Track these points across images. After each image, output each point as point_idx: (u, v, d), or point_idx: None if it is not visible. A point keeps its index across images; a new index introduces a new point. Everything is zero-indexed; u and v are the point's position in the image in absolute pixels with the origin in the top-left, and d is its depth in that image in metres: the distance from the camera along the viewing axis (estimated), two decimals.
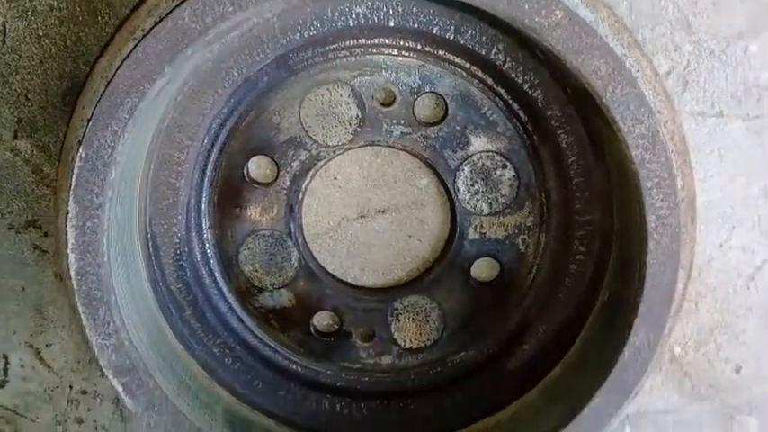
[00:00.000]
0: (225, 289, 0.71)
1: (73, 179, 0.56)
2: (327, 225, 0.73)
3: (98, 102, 0.55)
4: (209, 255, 0.70)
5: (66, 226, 0.56)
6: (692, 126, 0.69)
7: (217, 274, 0.71)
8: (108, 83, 0.54)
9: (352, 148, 0.69)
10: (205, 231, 0.70)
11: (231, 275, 0.71)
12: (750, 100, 0.68)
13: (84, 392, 0.76)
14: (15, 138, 0.68)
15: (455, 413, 0.71)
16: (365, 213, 0.73)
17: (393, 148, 0.69)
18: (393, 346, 0.72)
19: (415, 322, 0.72)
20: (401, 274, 0.74)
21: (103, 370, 0.60)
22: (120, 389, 0.60)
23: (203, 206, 0.69)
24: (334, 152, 0.68)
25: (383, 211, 0.73)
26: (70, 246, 0.57)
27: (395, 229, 0.73)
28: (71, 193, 0.56)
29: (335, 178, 0.72)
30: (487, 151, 0.67)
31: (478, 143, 0.67)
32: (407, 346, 0.72)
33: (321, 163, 0.69)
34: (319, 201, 0.73)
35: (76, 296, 0.58)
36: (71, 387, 0.76)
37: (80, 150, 0.55)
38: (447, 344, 0.72)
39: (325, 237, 0.73)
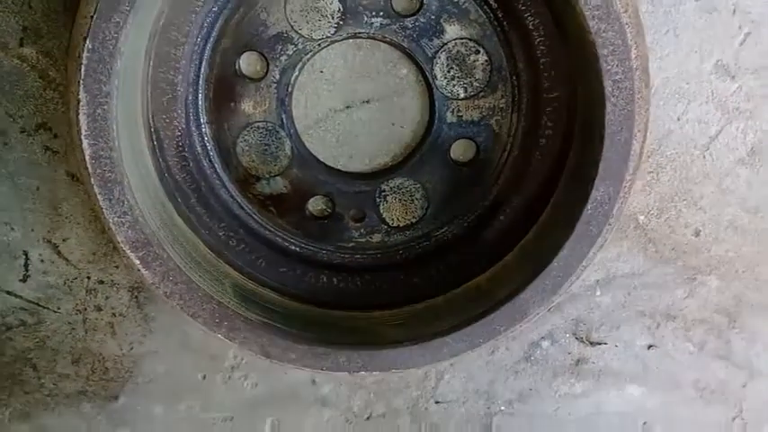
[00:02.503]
0: (225, 178, 0.77)
1: (82, 70, 0.61)
2: (316, 116, 0.79)
3: None
4: (209, 147, 0.76)
5: (78, 115, 0.61)
6: (649, 8, 0.75)
7: (217, 166, 0.76)
8: None
9: (335, 41, 0.74)
10: (203, 126, 0.75)
11: (230, 166, 0.77)
12: None
13: (102, 282, 0.81)
14: (21, 45, 0.72)
15: (440, 280, 0.78)
16: (351, 104, 0.78)
17: (374, 39, 0.74)
18: (382, 225, 0.79)
19: (401, 202, 0.78)
20: (386, 159, 0.80)
21: (120, 245, 0.66)
22: (137, 262, 0.66)
23: (200, 102, 0.74)
24: (319, 45, 0.73)
25: (367, 101, 0.78)
26: (83, 132, 0.62)
27: (379, 118, 0.79)
28: (81, 83, 0.61)
29: (321, 71, 0.77)
30: (461, 38, 0.73)
31: (452, 31, 0.72)
32: (395, 224, 0.79)
33: (307, 56, 0.74)
34: (307, 93, 0.78)
35: (92, 179, 0.64)
36: (89, 278, 0.81)
37: (87, 43, 0.60)
38: (431, 221, 0.79)
39: (315, 127, 0.79)
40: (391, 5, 0.72)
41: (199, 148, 0.75)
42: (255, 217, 0.78)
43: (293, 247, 0.79)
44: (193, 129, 0.75)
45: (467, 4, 0.72)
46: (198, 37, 0.71)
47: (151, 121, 0.72)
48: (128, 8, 0.59)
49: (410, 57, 0.74)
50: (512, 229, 0.76)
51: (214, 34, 0.72)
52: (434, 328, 0.72)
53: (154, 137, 0.72)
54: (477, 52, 0.73)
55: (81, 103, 0.62)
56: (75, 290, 0.82)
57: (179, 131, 0.73)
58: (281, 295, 0.77)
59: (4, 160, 0.76)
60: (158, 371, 0.85)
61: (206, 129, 0.75)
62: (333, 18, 0.72)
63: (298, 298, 0.77)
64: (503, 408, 0.89)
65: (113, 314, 0.83)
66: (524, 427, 0.90)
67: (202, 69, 0.73)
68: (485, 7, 0.72)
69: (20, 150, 0.76)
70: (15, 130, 0.75)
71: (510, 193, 0.77)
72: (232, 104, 0.75)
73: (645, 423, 0.91)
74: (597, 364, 0.89)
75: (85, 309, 0.82)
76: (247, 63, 0.74)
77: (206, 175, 0.76)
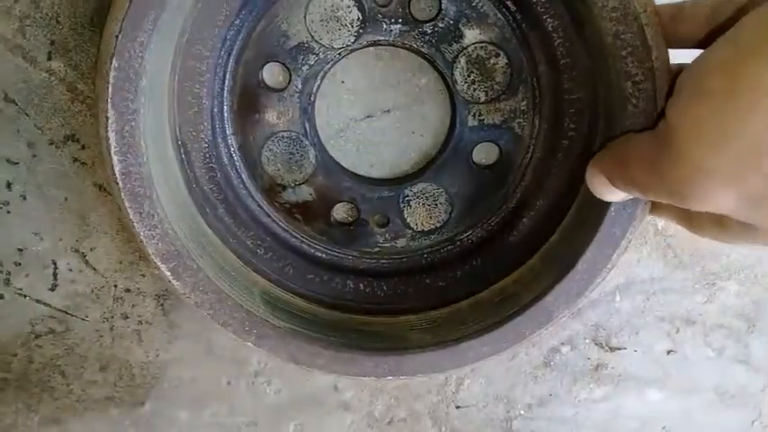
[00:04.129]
0: (252, 188, 0.76)
1: (109, 89, 0.60)
2: (338, 125, 0.78)
3: (125, 17, 0.59)
4: (235, 158, 0.75)
5: (107, 131, 0.61)
6: None
7: (244, 176, 0.75)
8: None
9: (355, 50, 0.73)
10: (229, 137, 0.74)
11: (256, 176, 0.76)
12: None
13: (128, 291, 0.80)
14: (49, 59, 0.71)
15: (465, 284, 0.76)
16: (372, 113, 0.77)
17: (393, 46, 0.72)
18: (406, 230, 0.78)
19: (425, 207, 0.77)
20: (407, 167, 0.79)
21: (152, 258, 0.65)
22: (168, 274, 0.65)
23: (225, 113, 0.73)
24: (340, 54, 0.72)
25: (388, 111, 0.77)
26: (113, 149, 0.61)
27: (399, 126, 0.78)
28: (109, 101, 0.60)
29: (343, 82, 0.76)
30: (480, 42, 0.71)
31: (471, 35, 0.71)
32: (419, 228, 0.78)
33: (328, 66, 0.72)
34: (329, 103, 0.77)
35: (122, 194, 0.63)
36: (116, 286, 0.80)
37: (113, 62, 0.59)
38: (455, 225, 0.78)
39: (337, 137, 0.78)
40: (409, 12, 0.71)
41: (225, 159, 0.74)
42: (282, 225, 0.77)
43: (319, 254, 0.78)
44: (220, 140, 0.73)
45: (485, 8, 0.70)
46: (221, 50, 0.70)
47: (178, 134, 0.71)
48: (151, 27, 0.59)
49: (430, 62, 0.73)
50: (536, 231, 0.74)
51: (237, 47, 0.71)
52: (460, 332, 0.70)
53: (182, 149, 0.71)
54: (497, 55, 0.72)
55: (110, 121, 0.61)
56: (102, 298, 0.80)
57: (205, 143, 0.72)
58: (309, 302, 0.75)
59: (33, 172, 0.75)
60: (184, 377, 0.84)
61: (232, 140, 0.74)
62: (352, 27, 0.71)
63: (324, 304, 0.76)
64: (522, 412, 0.88)
65: (139, 322, 0.81)
66: (544, 430, 0.88)
67: (227, 82, 0.72)
68: (503, 10, 0.71)
69: (48, 162, 0.75)
70: (44, 142, 0.74)
71: (533, 195, 0.75)
72: (256, 115, 0.74)
73: (664, 427, 0.89)
74: (617, 369, 0.87)
75: (112, 317, 0.81)
76: (270, 74, 0.73)
77: (233, 186, 0.75)
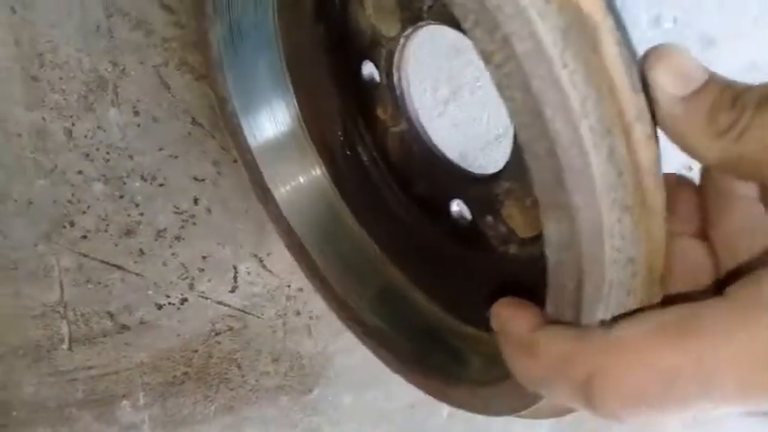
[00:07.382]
0: (388, 180, 0.72)
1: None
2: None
3: None
4: (374, 154, 0.73)
5: None
6: None
7: (381, 166, 0.72)
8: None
9: (408, 36, 0.60)
10: (364, 134, 0.72)
11: (388, 168, 0.72)
12: None
13: (301, 290, 0.85)
14: None
15: None
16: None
17: (431, 23, 0.57)
18: (512, 236, 0.61)
19: (518, 209, 0.59)
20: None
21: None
22: (290, 257, 0.73)
23: (357, 110, 0.71)
24: (399, 43, 0.62)
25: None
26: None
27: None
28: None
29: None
30: None
31: None
32: (521, 234, 0.60)
33: (396, 57, 0.63)
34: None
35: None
36: (289, 286, 0.85)
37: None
38: None
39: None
40: None
41: (365, 156, 0.73)
42: (414, 217, 0.71)
43: (447, 251, 0.69)
44: (356, 136, 0.73)
45: None
46: (329, 51, 0.69)
47: (325, 136, 0.74)
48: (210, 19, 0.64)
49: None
50: None
51: (340, 45, 0.68)
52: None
53: (324, 147, 0.75)
54: None
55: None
56: (276, 298, 0.85)
57: (339, 141, 0.74)
58: (429, 299, 0.69)
59: (217, 187, 0.81)
60: (349, 365, 0.85)
61: (366, 136, 0.72)
62: (394, 13, 0.59)
63: (444, 305, 0.68)
64: None
65: (310, 317, 0.85)
66: None
67: (343, 79, 0.70)
68: None
69: (232, 178, 0.80)
70: (228, 161, 0.80)
71: None
72: (373, 111, 0.70)
73: None
74: None
75: (285, 314, 0.86)
76: (368, 70, 0.68)
77: (370, 176, 0.73)
